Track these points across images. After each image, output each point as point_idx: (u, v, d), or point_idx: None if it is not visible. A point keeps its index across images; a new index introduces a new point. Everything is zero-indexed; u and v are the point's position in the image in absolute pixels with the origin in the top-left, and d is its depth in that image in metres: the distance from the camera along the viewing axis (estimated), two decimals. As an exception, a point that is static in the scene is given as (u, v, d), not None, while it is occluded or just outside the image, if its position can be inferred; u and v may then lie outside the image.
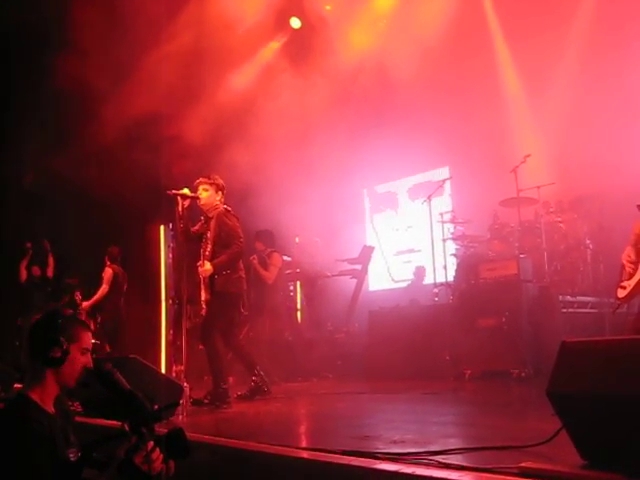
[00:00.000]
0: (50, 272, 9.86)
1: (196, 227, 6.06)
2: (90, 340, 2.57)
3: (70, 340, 2.47)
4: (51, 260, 9.84)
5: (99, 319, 9.25)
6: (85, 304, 9.17)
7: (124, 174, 8.67)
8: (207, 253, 5.90)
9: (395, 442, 3.32)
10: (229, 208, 6.04)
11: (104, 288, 9.29)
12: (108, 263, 9.44)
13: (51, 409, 2.45)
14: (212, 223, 5.94)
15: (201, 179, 6.00)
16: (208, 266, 5.81)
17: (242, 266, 6.07)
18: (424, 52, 8.11)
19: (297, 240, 10.28)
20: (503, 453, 2.79)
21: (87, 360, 2.53)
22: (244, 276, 6.09)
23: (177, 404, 2.21)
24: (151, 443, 2.19)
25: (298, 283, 9.90)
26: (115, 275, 9.36)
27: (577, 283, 7.47)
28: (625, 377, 2.22)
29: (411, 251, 11.00)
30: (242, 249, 5.98)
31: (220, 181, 6.04)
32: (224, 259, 5.84)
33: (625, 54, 7.40)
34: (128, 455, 2.17)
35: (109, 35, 8.56)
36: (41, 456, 2.26)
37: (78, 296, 9.64)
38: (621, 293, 5.33)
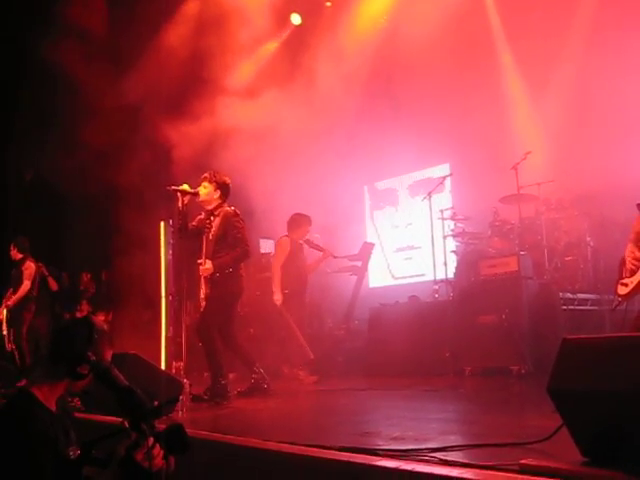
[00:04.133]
0: (54, 287, 9.64)
1: (194, 222, 6.06)
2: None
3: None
4: (51, 280, 9.58)
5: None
6: (9, 302, 8.64)
7: (124, 170, 8.67)
8: (207, 250, 5.90)
9: (395, 439, 3.32)
10: (238, 211, 6.05)
11: (26, 284, 8.68)
12: (23, 255, 8.76)
13: (53, 407, 2.45)
14: (216, 221, 5.96)
15: (203, 175, 6.02)
16: (209, 265, 5.81)
17: (243, 266, 6.08)
18: (424, 49, 8.08)
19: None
20: (503, 450, 2.78)
21: None
22: (244, 275, 6.11)
23: (176, 400, 2.20)
24: (151, 439, 2.17)
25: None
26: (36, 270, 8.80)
27: (577, 280, 7.46)
28: (626, 374, 2.22)
29: (411, 248, 10.99)
30: (248, 253, 6.01)
31: (222, 179, 6.05)
32: (227, 260, 5.85)
33: (626, 52, 7.38)
34: (128, 452, 2.16)
35: (110, 30, 8.56)
36: (44, 453, 2.25)
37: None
38: (622, 290, 5.31)
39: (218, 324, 5.89)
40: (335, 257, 8.80)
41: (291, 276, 7.86)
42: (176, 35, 9.16)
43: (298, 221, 8.06)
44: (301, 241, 8.11)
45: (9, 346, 8.69)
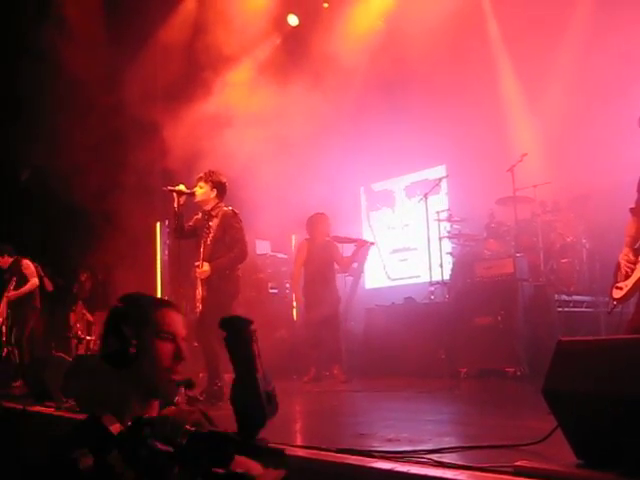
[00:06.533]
0: (50, 287, 9.59)
1: (191, 223, 6.03)
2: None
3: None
4: (47, 281, 9.53)
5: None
6: (12, 294, 8.60)
7: (119, 171, 8.65)
8: (205, 252, 5.86)
9: (390, 440, 3.31)
10: (237, 211, 6.02)
11: (34, 281, 8.71)
12: (14, 258, 8.78)
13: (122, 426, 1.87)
14: (215, 222, 5.91)
15: (198, 176, 6.00)
16: (207, 267, 5.77)
17: (240, 266, 6.05)
18: (421, 50, 8.08)
19: (294, 238, 10.26)
20: (498, 452, 2.78)
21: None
22: (241, 276, 6.08)
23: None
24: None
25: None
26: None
27: (573, 282, 7.46)
28: (620, 376, 2.22)
29: (407, 249, 10.99)
30: (245, 254, 5.96)
31: (218, 178, 5.99)
32: (225, 262, 5.81)
33: (624, 54, 7.40)
34: None
35: (106, 29, 8.55)
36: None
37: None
38: (617, 294, 5.31)
39: (216, 326, 5.85)
40: (372, 243, 8.74)
41: (310, 277, 7.86)
42: (173, 31, 9.16)
43: (313, 222, 8.05)
44: (327, 238, 8.07)
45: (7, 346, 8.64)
